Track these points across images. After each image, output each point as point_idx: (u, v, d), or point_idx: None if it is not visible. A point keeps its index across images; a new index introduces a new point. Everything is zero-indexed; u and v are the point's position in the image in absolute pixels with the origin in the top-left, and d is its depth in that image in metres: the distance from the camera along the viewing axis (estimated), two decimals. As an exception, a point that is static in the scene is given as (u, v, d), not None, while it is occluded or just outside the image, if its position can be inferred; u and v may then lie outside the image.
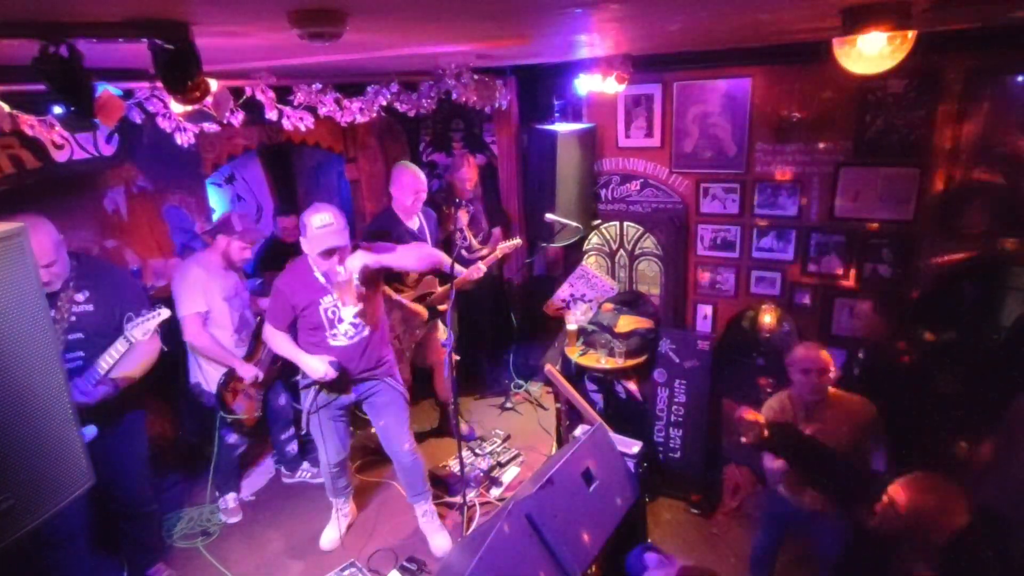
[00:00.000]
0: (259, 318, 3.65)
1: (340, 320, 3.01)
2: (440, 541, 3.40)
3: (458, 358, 4.23)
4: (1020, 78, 3.18)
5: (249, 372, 3.40)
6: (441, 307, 3.97)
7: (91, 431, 2.55)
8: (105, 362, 2.60)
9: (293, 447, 4.03)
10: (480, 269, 3.94)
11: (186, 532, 3.61)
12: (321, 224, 2.77)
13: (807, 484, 2.58)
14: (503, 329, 4.97)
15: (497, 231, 4.59)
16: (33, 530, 1.60)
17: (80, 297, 2.62)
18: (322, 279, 2.94)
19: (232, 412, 3.44)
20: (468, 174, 4.36)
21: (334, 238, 2.78)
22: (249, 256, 3.49)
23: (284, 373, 3.70)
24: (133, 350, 2.66)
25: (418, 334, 3.99)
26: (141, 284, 3.47)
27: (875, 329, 3.72)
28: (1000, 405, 2.79)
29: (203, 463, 3.68)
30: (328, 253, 2.80)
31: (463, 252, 4.10)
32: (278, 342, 3.05)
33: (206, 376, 3.42)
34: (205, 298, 3.27)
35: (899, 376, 3.51)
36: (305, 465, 4.11)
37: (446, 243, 4.27)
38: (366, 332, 3.10)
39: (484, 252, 4.23)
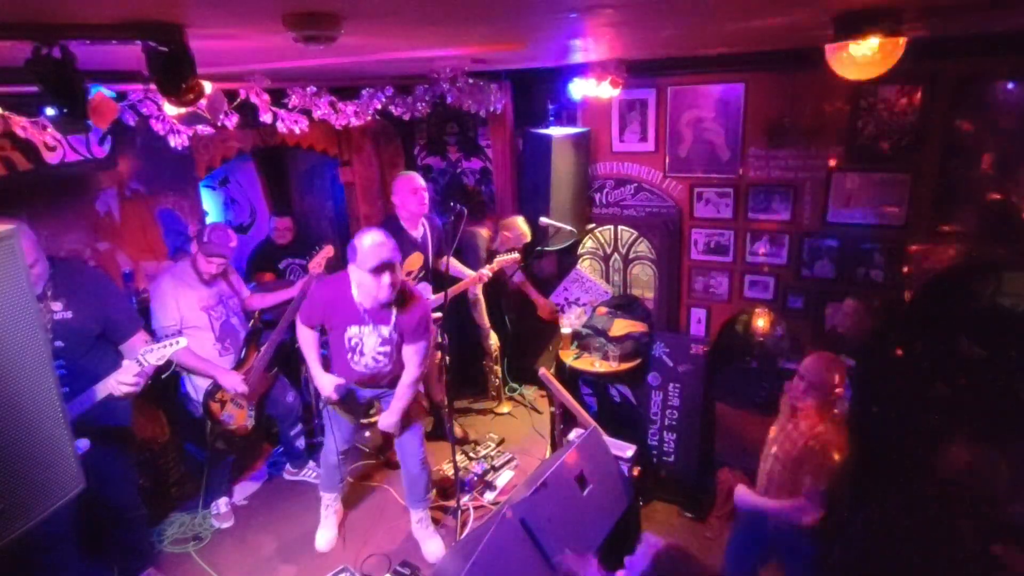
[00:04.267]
0: (251, 323, 3.63)
1: (362, 353, 3.00)
2: (433, 547, 3.39)
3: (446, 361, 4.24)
4: (1010, 84, 3.21)
5: (231, 382, 3.32)
6: (435, 314, 3.96)
7: (84, 444, 2.51)
8: (128, 369, 2.55)
9: (301, 442, 4.01)
10: (484, 276, 4.00)
11: (177, 537, 3.58)
12: (372, 245, 2.69)
13: None
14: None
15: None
16: (23, 534, 1.58)
17: (57, 305, 2.55)
18: (358, 308, 2.86)
19: (220, 423, 3.41)
20: (521, 243, 4.35)
21: (385, 252, 2.69)
22: (214, 271, 3.33)
23: (290, 369, 3.66)
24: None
25: None
26: (123, 290, 3.42)
27: (863, 328, 3.54)
28: (993, 410, 2.81)
29: (196, 469, 3.66)
30: (376, 271, 2.69)
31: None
32: (305, 342, 3.09)
33: (194, 385, 3.39)
34: (179, 310, 3.21)
35: (894, 383, 3.42)
36: (311, 464, 4.09)
37: (458, 252, 4.25)
38: (388, 368, 3.06)
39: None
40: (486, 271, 4.02)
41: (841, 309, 3.54)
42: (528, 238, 4.37)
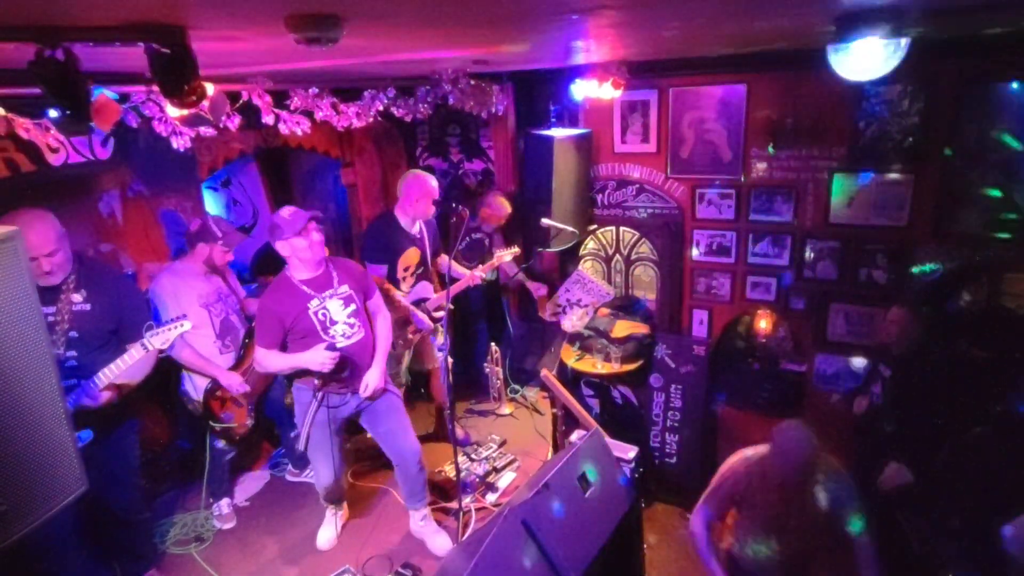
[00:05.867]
0: (251, 323, 3.63)
1: (333, 322, 3.02)
2: (441, 541, 3.41)
3: (452, 361, 4.24)
4: (1013, 84, 3.20)
5: (232, 382, 3.33)
6: (437, 313, 3.97)
7: (87, 435, 2.55)
8: (116, 367, 2.59)
9: (301, 444, 4.02)
10: (477, 277, 3.96)
11: (180, 538, 3.59)
12: (290, 212, 2.93)
13: None
14: (499, 334, 4.98)
15: (497, 238, 4.60)
16: (25, 536, 1.58)
17: (78, 297, 2.64)
18: (304, 287, 2.98)
19: (220, 421, 3.40)
20: (502, 215, 4.42)
21: (305, 215, 2.94)
22: (231, 258, 3.47)
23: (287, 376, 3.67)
24: (143, 358, 2.67)
25: (411, 338, 3.99)
26: (142, 291, 3.45)
27: (909, 337, 3.22)
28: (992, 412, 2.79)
29: (196, 469, 3.67)
30: (305, 230, 2.90)
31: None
32: (272, 360, 3.00)
33: (194, 384, 3.39)
34: (179, 307, 3.20)
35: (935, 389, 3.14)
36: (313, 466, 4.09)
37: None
38: (362, 334, 3.11)
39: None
40: (479, 272, 4.01)
41: (887, 317, 3.34)
42: (508, 209, 4.41)
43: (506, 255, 4.20)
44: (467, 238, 3.53)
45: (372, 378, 3.11)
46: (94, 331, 2.66)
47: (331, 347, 2.94)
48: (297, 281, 3.00)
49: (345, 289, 3.08)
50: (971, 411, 2.97)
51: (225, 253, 3.39)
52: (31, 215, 2.48)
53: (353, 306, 3.09)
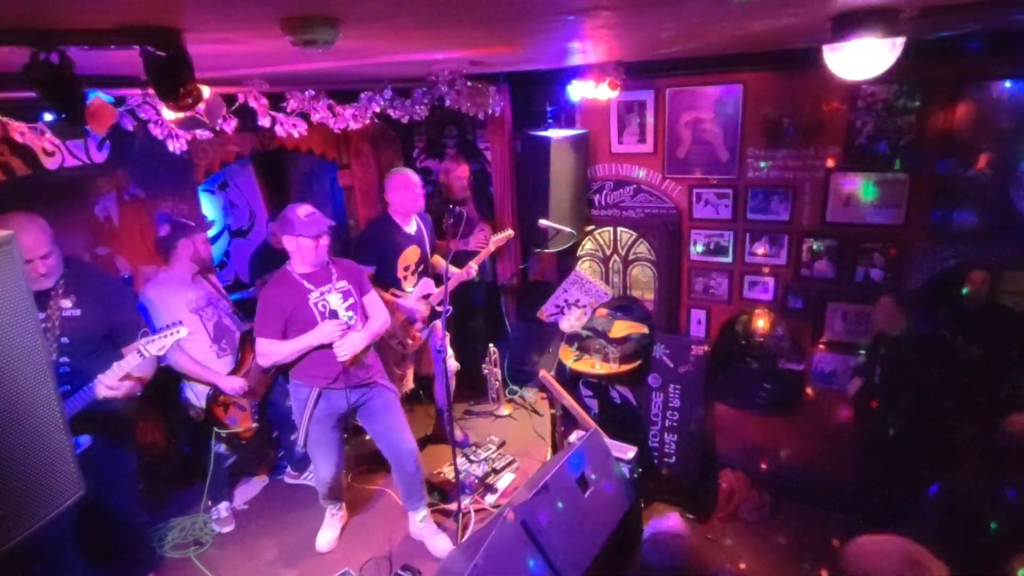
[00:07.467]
0: (249, 328, 3.62)
1: (333, 313, 3.08)
2: (441, 543, 3.41)
3: (458, 367, 4.25)
4: (1007, 83, 3.21)
5: (232, 386, 3.32)
6: (439, 307, 3.97)
7: (85, 440, 2.54)
8: (119, 369, 2.57)
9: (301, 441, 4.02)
10: (472, 269, 4.02)
11: (178, 542, 3.58)
12: (307, 213, 3.03)
13: None
14: (497, 335, 4.97)
15: (486, 230, 4.59)
16: (23, 540, 1.58)
17: (67, 302, 2.62)
18: (305, 281, 3.06)
19: (226, 426, 3.40)
20: (460, 174, 4.52)
21: (322, 219, 3.06)
22: (211, 248, 3.46)
23: (285, 375, 3.68)
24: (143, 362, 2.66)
25: (420, 336, 3.99)
26: (134, 294, 3.44)
27: (897, 325, 3.47)
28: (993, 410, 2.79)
29: (195, 473, 3.66)
30: (318, 236, 3.01)
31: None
32: (276, 349, 3.01)
33: (195, 391, 3.38)
34: (169, 317, 3.15)
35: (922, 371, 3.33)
36: (312, 467, 4.09)
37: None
38: (360, 327, 3.17)
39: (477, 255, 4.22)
40: (474, 265, 4.04)
41: (877, 306, 3.56)
42: (465, 165, 4.55)
43: (499, 238, 4.20)
44: (449, 219, 3.63)
45: (355, 337, 3.09)
46: (85, 336, 2.64)
47: (336, 319, 3.03)
48: (298, 275, 3.07)
49: (343, 284, 3.16)
50: (967, 408, 3.00)
51: (205, 242, 3.41)
52: (24, 218, 2.47)
53: (351, 300, 3.16)
